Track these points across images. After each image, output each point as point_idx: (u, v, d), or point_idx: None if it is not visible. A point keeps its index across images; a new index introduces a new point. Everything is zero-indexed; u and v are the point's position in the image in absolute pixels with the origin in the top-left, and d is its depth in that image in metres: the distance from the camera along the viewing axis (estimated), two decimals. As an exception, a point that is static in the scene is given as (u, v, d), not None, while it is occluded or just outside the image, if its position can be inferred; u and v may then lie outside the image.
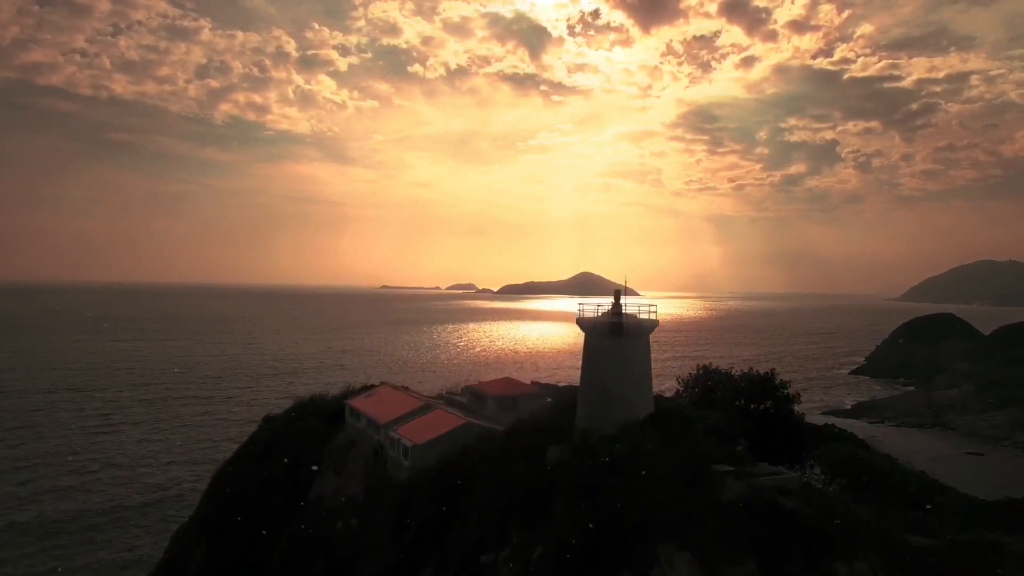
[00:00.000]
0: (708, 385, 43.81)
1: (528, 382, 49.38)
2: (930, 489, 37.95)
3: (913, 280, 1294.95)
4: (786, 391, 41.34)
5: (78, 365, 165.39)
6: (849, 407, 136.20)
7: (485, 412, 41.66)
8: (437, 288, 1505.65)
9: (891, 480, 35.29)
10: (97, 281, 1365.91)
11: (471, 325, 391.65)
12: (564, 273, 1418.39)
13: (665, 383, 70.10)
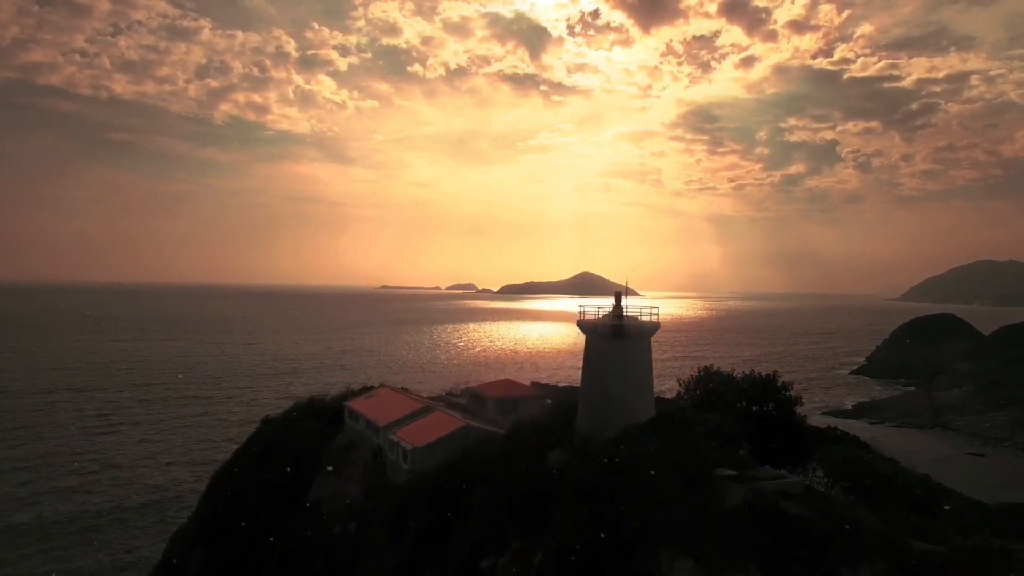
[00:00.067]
0: (710, 387, 43.56)
1: (528, 383, 49.16)
2: (934, 492, 37.68)
3: (913, 280, 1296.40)
4: (788, 393, 41.11)
5: (78, 365, 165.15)
6: (850, 407, 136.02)
7: (485, 414, 41.43)
8: (437, 288, 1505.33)
9: (894, 483, 35.02)
10: (97, 281, 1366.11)
11: (471, 325, 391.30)
12: (564, 273, 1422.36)
13: (665, 383, 69.93)
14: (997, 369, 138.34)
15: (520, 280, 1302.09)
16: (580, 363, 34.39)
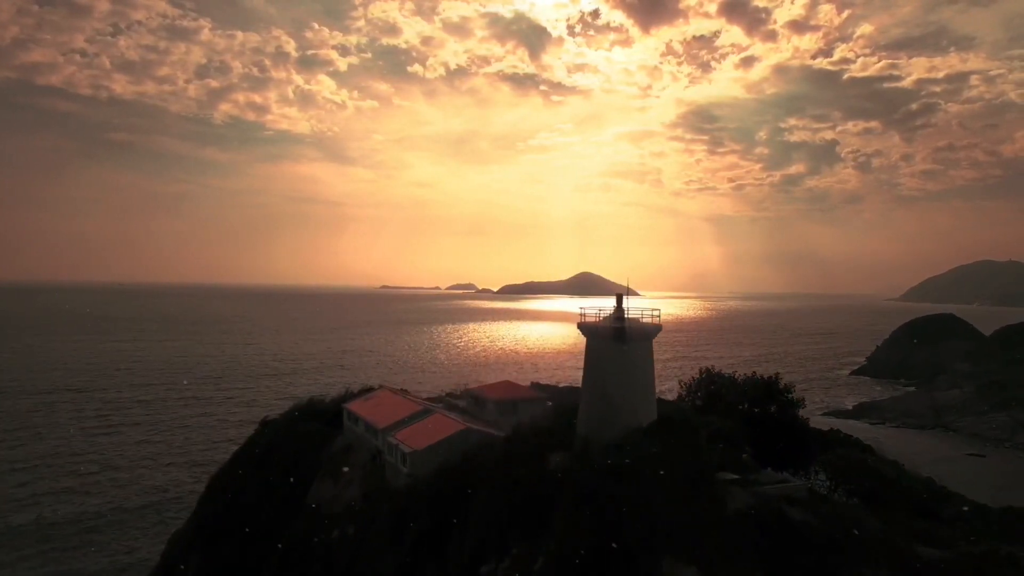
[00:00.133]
0: (711, 389, 43.33)
1: (528, 384, 48.93)
2: (938, 496, 37.42)
3: (913, 280, 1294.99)
4: (791, 395, 40.90)
5: (78, 365, 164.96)
6: (850, 408, 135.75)
7: (485, 416, 41.19)
8: (437, 288, 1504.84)
9: (898, 487, 34.76)
10: (97, 281, 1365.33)
11: (471, 325, 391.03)
12: (564, 273, 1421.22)
13: (666, 384, 69.74)
14: (997, 369, 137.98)
15: (520, 280, 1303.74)
16: (580, 363, 34.11)
